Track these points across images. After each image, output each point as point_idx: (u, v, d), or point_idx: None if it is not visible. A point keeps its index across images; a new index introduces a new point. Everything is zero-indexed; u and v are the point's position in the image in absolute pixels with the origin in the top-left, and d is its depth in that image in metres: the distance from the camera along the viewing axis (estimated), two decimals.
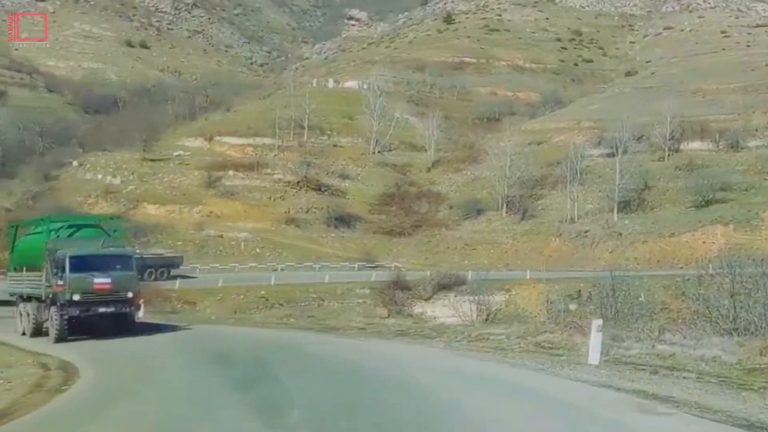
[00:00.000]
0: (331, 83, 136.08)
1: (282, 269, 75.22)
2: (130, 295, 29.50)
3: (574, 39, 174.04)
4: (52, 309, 28.92)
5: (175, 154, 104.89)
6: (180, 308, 54.74)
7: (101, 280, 28.77)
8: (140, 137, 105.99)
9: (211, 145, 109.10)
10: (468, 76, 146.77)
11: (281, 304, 60.08)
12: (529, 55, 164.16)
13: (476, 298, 52.29)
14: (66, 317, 28.44)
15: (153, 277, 62.81)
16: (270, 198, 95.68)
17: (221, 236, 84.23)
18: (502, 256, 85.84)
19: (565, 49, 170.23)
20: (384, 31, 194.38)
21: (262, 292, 62.80)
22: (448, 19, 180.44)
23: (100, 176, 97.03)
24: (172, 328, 33.90)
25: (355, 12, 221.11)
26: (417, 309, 60.44)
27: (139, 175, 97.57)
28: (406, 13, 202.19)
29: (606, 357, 19.58)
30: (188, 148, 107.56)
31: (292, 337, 30.34)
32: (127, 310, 29.70)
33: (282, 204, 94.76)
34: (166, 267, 67.81)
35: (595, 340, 19.64)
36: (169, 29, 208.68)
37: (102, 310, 29.05)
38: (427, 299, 62.02)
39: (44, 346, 27.40)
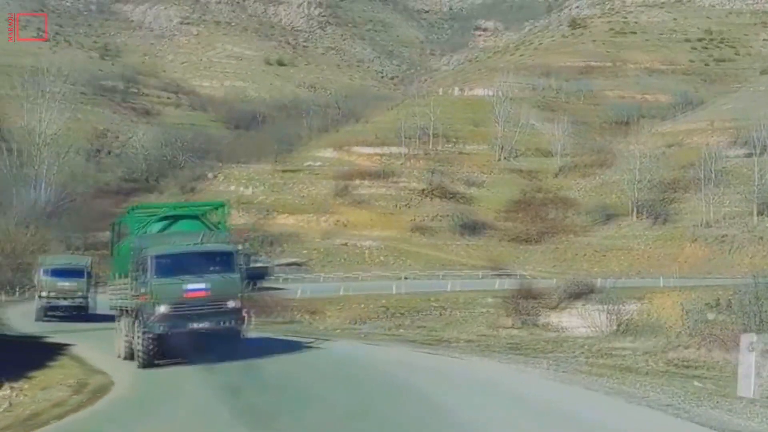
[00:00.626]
0: (456, 91, 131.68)
1: (406, 278, 71.36)
2: (233, 304, 21.71)
3: (704, 38, 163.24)
4: (136, 325, 21.75)
5: (306, 164, 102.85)
6: (300, 318, 51.81)
7: (195, 286, 21.35)
8: (274, 149, 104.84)
9: (342, 155, 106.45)
10: (596, 79, 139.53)
11: (402, 314, 56.34)
12: (659, 57, 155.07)
13: (607, 307, 47.20)
14: (149, 336, 21.12)
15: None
16: (397, 206, 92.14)
17: (346, 244, 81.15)
18: (634, 262, 79.50)
19: (695, 49, 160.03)
20: (511, 40, 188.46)
21: (383, 302, 59.11)
22: (574, 23, 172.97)
23: (233, 187, 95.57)
24: (280, 346, 26.07)
25: (482, 23, 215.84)
26: (544, 319, 55.57)
27: (271, 186, 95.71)
28: (533, 20, 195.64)
29: (763, 385, 13.44)
30: (319, 159, 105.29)
31: (370, 354, 24.67)
32: (230, 324, 21.78)
33: (409, 212, 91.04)
34: (254, 278, 62.78)
35: (746, 363, 13.58)
36: (305, 47, 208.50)
37: (195, 326, 21.17)
38: (555, 308, 57.03)
39: (130, 369, 21.17)
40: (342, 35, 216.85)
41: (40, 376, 18.95)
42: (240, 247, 24.45)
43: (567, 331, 47.82)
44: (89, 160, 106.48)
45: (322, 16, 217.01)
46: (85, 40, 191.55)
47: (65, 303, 40.16)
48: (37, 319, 39.51)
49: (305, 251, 78.52)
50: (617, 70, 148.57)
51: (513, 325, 48.98)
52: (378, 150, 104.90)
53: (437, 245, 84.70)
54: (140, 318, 21.42)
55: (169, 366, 21.26)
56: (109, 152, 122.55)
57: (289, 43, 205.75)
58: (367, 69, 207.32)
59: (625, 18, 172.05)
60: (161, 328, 20.95)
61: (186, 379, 19.55)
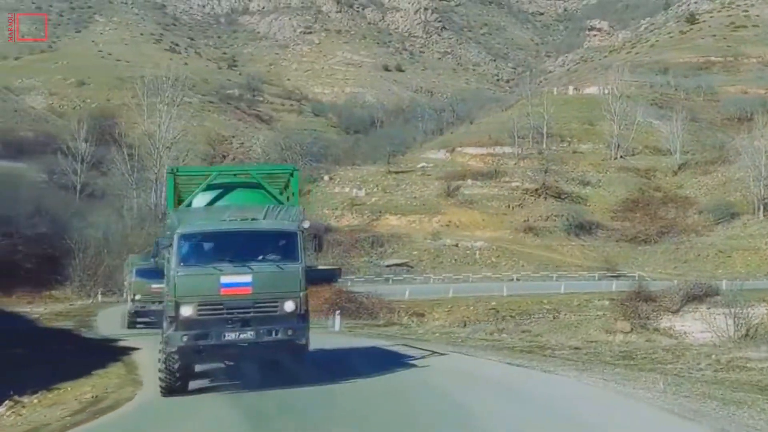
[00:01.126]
0: (570, 90, 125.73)
1: (517, 279, 66.94)
2: (290, 307, 14.83)
3: None
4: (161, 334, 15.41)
5: (418, 166, 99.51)
6: (406, 320, 48.28)
7: (236, 280, 14.58)
8: (387, 152, 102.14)
9: (453, 156, 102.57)
10: (714, 75, 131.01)
11: (512, 316, 52.11)
12: None
13: (732, 310, 42.13)
14: (170, 350, 14.50)
15: None
16: (508, 206, 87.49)
17: (456, 245, 77.07)
18: (762, 263, 72.35)
19: None
20: (625, 38, 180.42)
21: (493, 303, 54.89)
22: (691, 19, 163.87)
23: (347, 189, 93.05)
24: (358, 360, 19.19)
25: (596, 22, 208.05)
26: (664, 323, 50.51)
27: (383, 187, 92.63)
28: (648, 18, 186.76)
29: None
30: (431, 160, 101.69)
31: (452, 369, 18.46)
32: (286, 335, 14.80)
33: (520, 212, 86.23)
34: (321, 281, 54.85)
35: None
36: (421, 52, 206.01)
37: (231, 336, 14.58)
38: (675, 312, 51.69)
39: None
40: (457, 40, 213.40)
41: (66, 388, 16.07)
42: (307, 225, 15.90)
43: (688, 337, 42.87)
44: (211, 165, 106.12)
45: (438, 21, 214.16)
46: (214, 51, 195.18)
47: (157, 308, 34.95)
48: (127, 327, 32.80)
49: (415, 252, 74.94)
50: (738, 64, 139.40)
51: (632, 329, 44.40)
52: (489, 150, 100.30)
53: (550, 246, 79.66)
54: (163, 324, 15.18)
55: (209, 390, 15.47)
56: (233, 158, 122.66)
57: (405, 49, 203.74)
58: (482, 72, 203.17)
59: (746, 11, 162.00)
60: (184, 338, 14.32)
61: (219, 409, 13.68)
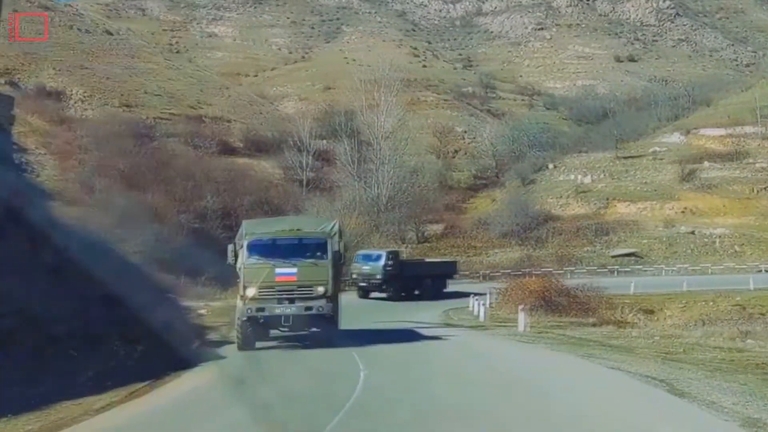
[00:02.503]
0: None
1: (766, 270, 54.73)
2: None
3: None
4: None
5: (650, 150, 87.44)
6: (632, 319, 38.86)
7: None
8: (615, 138, 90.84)
9: (688, 138, 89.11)
10: None
11: (762, 314, 41.00)
12: None
13: None
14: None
15: (426, 290, 44.78)
16: (753, 190, 73.65)
17: (693, 233, 65.15)
18: None
19: None
20: None
21: (738, 299, 43.86)
22: None
23: (572, 176, 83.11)
24: None
25: None
26: None
27: (611, 174, 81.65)
28: None
29: None
30: (664, 144, 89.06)
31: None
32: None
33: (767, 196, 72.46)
34: (439, 277, 47.22)
35: None
36: (654, 41, 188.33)
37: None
38: None
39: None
40: (692, 26, 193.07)
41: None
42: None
43: None
44: (441, 158, 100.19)
45: (671, 8, 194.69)
46: (451, 53, 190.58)
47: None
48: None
49: (645, 241, 63.98)
50: None
51: None
52: (729, 131, 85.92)
53: None
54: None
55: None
56: (465, 153, 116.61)
57: (638, 39, 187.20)
58: (720, 58, 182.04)
59: None
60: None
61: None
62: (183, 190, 50.98)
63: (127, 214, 45.17)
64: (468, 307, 36.80)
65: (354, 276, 43.87)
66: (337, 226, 21.45)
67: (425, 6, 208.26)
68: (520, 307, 27.92)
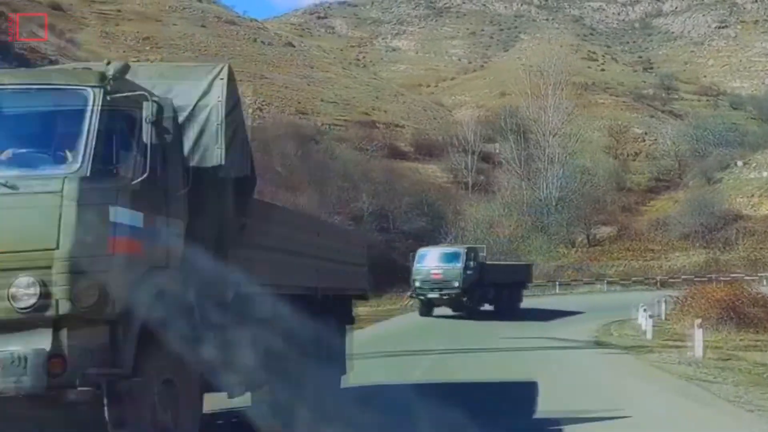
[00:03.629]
0: None
1: None
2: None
3: None
4: None
5: None
6: None
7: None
8: None
9: None
10: None
11: None
12: None
13: None
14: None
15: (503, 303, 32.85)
16: None
17: None
18: None
19: None
20: None
21: None
22: None
23: (765, 174, 71.57)
24: None
25: None
26: None
27: None
28: None
29: None
30: None
31: None
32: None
33: None
34: (516, 285, 35.08)
35: None
36: None
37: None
38: None
39: None
40: None
41: None
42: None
43: None
44: (617, 159, 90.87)
45: None
46: (629, 56, 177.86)
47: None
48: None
49: None
50: None
51: None
52: None
53: None
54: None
55: None
56: (646, 155, 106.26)
57: None
58: None
59: None
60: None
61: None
62: (339, 191, 46.87)
63: None
64: (633, 319, 29.38)
65: (417, 285, 31.37)
66: None
67: (602, 10, 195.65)
68: (697, 322, 20.04)
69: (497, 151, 76.20)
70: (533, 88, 66.33)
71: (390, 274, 42.44)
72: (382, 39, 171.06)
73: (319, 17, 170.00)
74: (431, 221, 49.13)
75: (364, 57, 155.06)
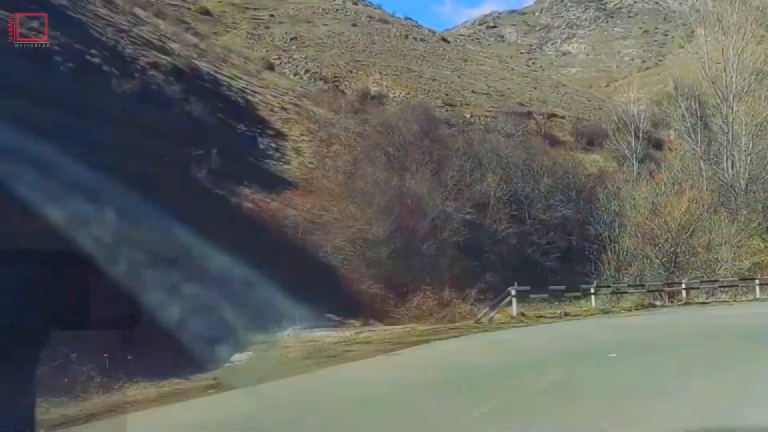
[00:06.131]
0: None
1: None
2: None
3: None
4: None
5: None
6: None
7: None
8: None
9: None
10: None
11: None
12: None
13: None
14: None
15: None
16: None
17: None
18: None
19: None
20: None
21: None
22: None
23: None
24: None
25: None
26: None
27: None
28: None
29: None
30: None
31: None
32: None
33: None
34: None
35: None
36: None
37: None
38: None
39: None
40: None
41: None
42: None
43: None
44: None
45: None
46: None
47: None
48: None
49: None
50: None
51: None
52: None
53: None
54: None
55: None
56: None
57: None
58: None
59: None
60: None
61: None
62: (459, 173, 33.73)
63: (374, 202, 29.55)
64: None
65: None
66: None
67: None
68: None
69: (670, 137, 59.77)
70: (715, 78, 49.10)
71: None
72: (552, 44, 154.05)
73: (488, 27, 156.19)
74: (578, 208, 34.83)
75: (533, 62, 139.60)
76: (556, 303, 22.94)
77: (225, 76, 43.79)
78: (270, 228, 26.39)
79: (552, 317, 19.68)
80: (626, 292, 24.05)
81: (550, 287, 24.26)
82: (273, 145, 35.81)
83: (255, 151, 34.17)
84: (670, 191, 29.58)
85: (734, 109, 40.47)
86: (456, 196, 32.06)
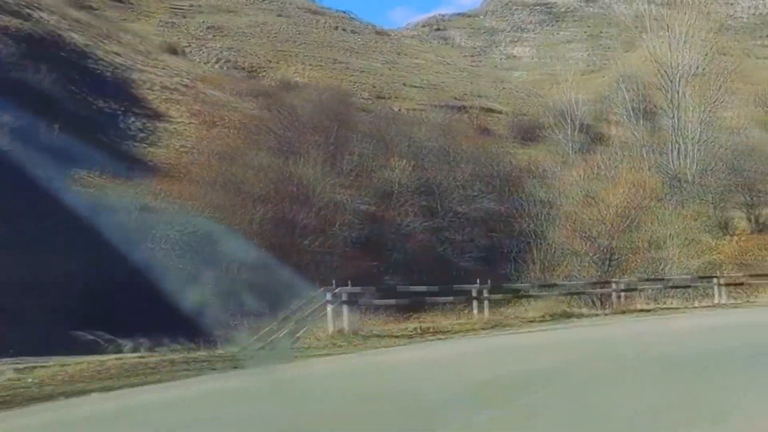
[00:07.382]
0: None
1: None
2: None
3: None
4: None
5: None
6: None
7: None
8: None
9: None
10: None
11: None
12: None
13: None
14: None
15: None
16: None
17: None
18: None
19: None
20: None
21: None
22: None
23: None
24: None
25: None
26: None
27: None
28: None
29: None
30: None
31: None
32: None
33: None
34: None
35: None
36: None
37: None
38: None
39: None
40: None
41: None
42: None
43: None
44: None
45: None
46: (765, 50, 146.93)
47: None
48: None
49: None
50: None
51: None
52: None
53: None
54: None
55: None
56: None
57: None
58: None
59: None
60: None
61: None
62: (360, 158, 27.78)
63: (244, 190, 23.42)
64: None
65: None
66: None
67: (732, 4, 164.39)
68: None
69: (611, 130, 55.15)
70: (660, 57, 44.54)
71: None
72: (497, 47, 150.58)
73: (434, 29, 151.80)
74: (502, 199, 29.33)
75: (477, 66, 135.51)
76: (441, 311, 17.05)
77: (103, 51, 37.27)
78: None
79: (404, 335, 13.30)
80: (531, 296, 17.97)
81: (398, 288, 18.10)
82: (140, 125, 29.57)
83: (113, 130, 27.87)
84: (606, 176, 24.13)
85: (680, 92, 35.52)
86: (353, 183, 26.15)
